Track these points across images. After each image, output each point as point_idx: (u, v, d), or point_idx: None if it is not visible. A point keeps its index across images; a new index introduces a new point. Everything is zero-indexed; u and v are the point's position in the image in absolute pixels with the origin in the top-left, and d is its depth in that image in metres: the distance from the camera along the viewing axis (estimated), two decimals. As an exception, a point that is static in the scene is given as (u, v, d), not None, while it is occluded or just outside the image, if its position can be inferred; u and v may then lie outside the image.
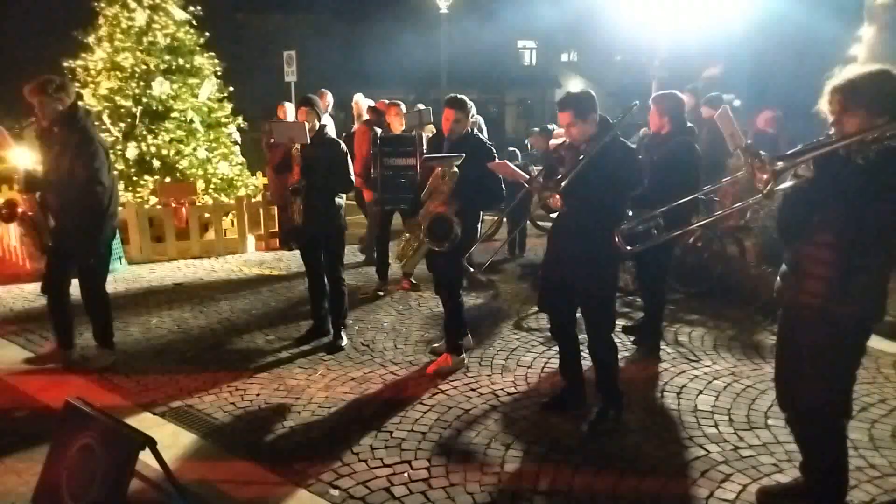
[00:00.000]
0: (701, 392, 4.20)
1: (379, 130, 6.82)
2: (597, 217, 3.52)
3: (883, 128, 2.34)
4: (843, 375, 2.69)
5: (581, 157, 3.45)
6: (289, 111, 8.59)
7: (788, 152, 2.41)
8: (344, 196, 5.08)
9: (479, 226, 4.85)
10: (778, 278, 2.84)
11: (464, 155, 4.19)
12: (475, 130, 4.62)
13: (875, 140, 2.37)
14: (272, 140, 7.85)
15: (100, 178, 4.41)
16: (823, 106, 2.58)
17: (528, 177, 3.87)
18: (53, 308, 4.69)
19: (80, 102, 4.80)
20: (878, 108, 2.41)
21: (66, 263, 4.62)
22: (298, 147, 4.81)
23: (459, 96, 4.43)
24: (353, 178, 5.00)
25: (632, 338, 5.07)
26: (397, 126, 6.66)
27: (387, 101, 7.11)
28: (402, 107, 6.80)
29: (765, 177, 2.35)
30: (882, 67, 2.51)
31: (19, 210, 4.69)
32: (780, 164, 2.34)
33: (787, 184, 2.52)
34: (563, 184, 3.40)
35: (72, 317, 4.78)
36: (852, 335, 2.64)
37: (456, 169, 4.20)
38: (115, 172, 5.23)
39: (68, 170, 4.38)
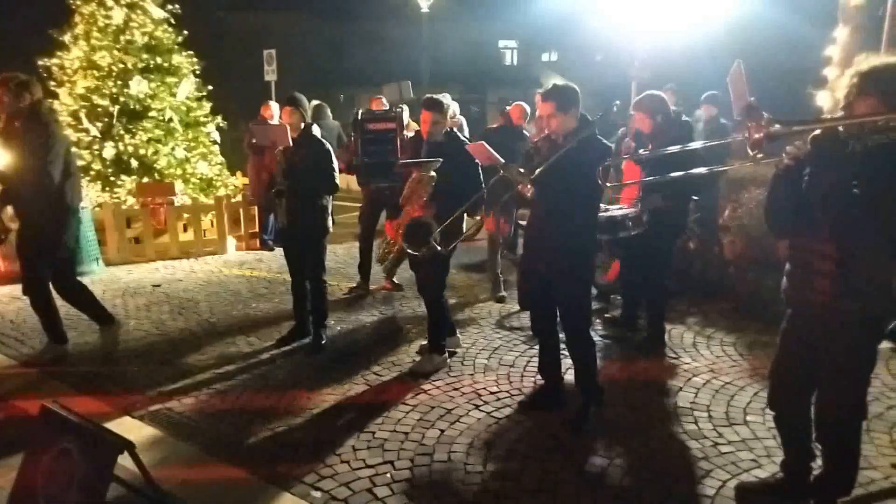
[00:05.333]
0: (681, 389, 4.24)
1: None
2: (569, 213, 3.57)
3: (886, 116, 2.30)
4: (859, 376, 2.63)
5: (558, 149, 3.50)
6: (274, 110, 8.53)
7: (788, 119, 2.34)
8: (330, 197, 5.05)
9: (462, 224, 4.84)
10: (784, 279, 2.78)
11: (440, 160, 4.22)
12: (455, 130, 4.64)
13: (875, 130, 2.33)
14: (254, 140, 7.82)
15: (49, 170, 4.38)
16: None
17: (503, 161, 3.95)
18: (36, 307, 4.72)
19: (45, 100, 4.72)
20: (890, 99, 2.34)
21: (41, 260, 4.60)
22: (281, 149, 4.78)
23: (436, 97, 4.45)
24: (337, 179, 4.97)
25: (610, 331, 5.09)
26: None
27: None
28: (384, 99, 7.69)
29: (757, 135, 2.26)
30: None
31: None
32: (777, 126, 2.27)
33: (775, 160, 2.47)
34: (536, 172, 3.46)
35: (56, 312, 4.79)
36: (862, 334, 2.57)
37: (434, 174, 4.23)
38: (78, 168, 5.18)
39: (28, 165, 4.37)
